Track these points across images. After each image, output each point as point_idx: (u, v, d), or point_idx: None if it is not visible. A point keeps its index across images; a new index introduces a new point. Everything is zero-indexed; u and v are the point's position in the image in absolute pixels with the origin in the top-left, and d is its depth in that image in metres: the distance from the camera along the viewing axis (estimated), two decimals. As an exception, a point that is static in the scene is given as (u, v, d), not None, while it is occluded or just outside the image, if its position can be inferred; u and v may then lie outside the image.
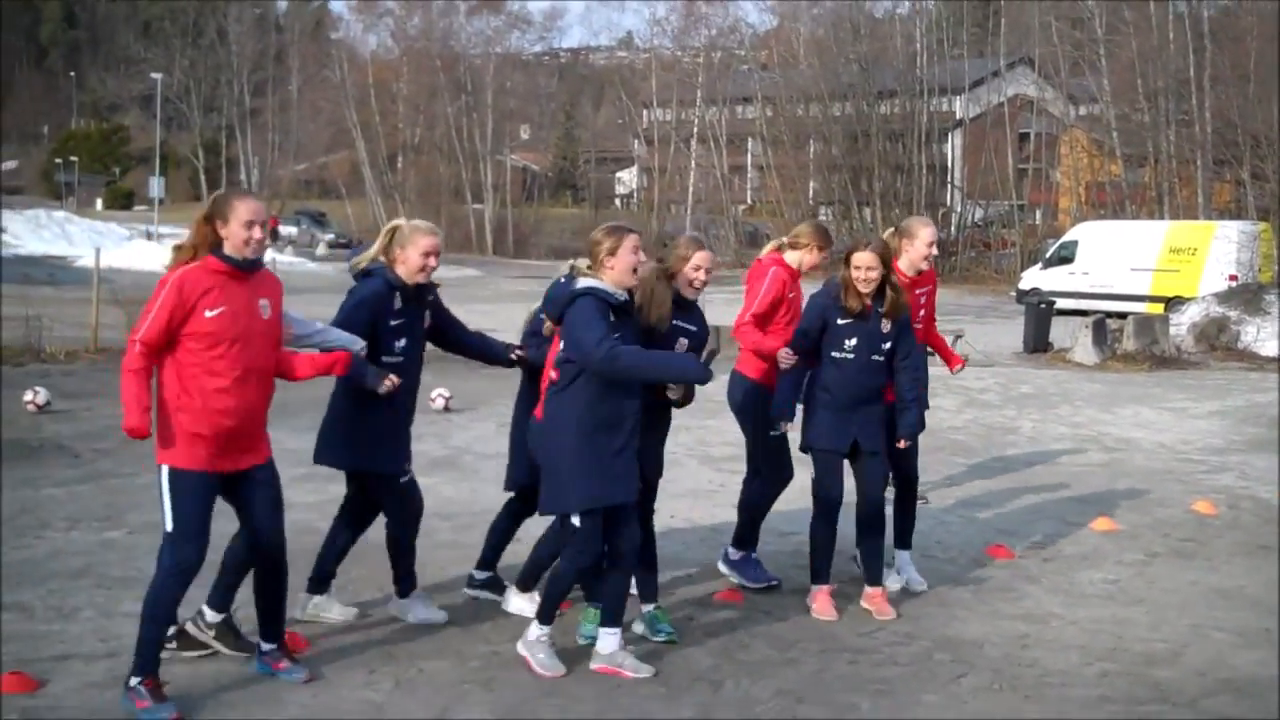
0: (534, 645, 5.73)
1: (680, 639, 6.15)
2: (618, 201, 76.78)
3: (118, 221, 57.58)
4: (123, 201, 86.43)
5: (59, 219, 51.65)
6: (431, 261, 6.05)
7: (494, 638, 6.19)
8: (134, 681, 5.10)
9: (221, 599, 5.71)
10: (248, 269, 5.20)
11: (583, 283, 5.56)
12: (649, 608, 6.26)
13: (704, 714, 5.34)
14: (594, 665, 5.75)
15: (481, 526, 7.06)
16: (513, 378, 6.75)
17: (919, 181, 50.83)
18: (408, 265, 6.03)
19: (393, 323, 6.00)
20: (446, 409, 13.16)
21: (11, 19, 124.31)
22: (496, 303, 30.32)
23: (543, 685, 5.56)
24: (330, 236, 58.08)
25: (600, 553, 5.70)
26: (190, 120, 77.35)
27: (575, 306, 5.50)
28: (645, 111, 67.70)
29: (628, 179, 78.38)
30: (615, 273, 5.60)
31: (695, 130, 62.68)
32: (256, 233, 5.11)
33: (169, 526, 5.14)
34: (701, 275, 6.05)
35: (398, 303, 6.02)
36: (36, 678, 5.38)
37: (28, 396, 12.37)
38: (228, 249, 5.14)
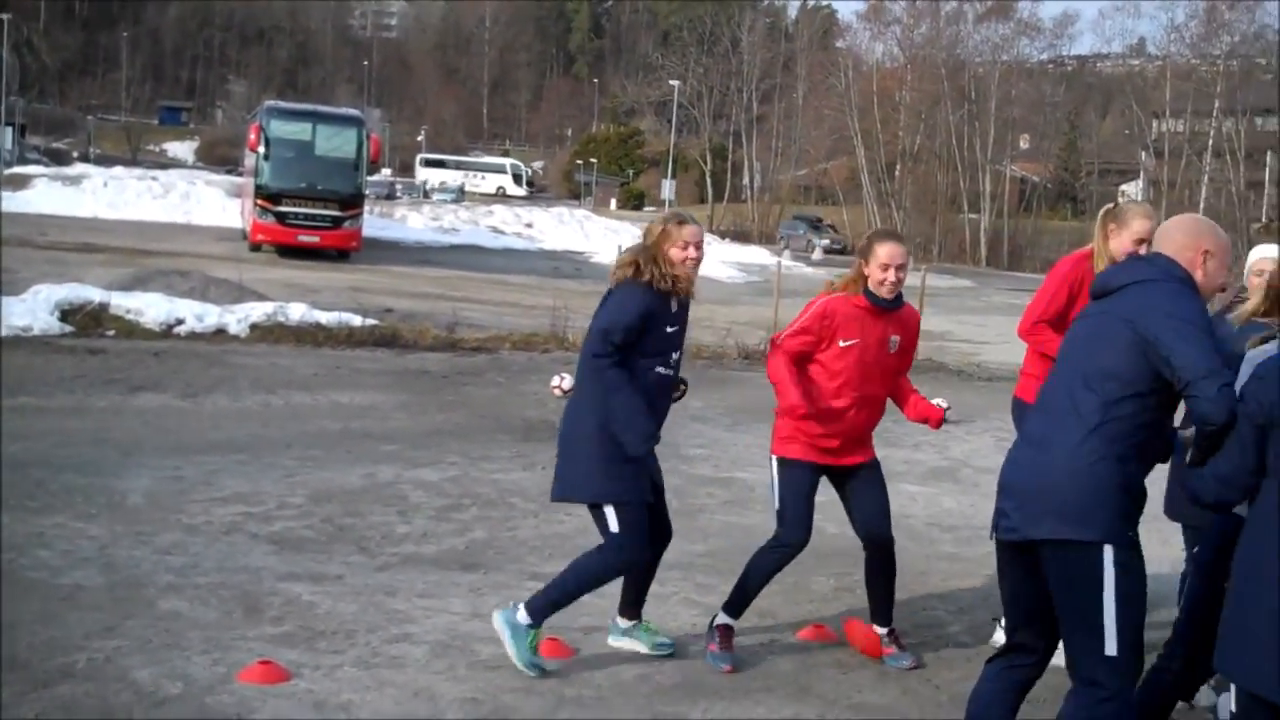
0: None
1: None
2: (1121, 215, 73.42)
3: (630, 221, 61.16)
4: (634, 202, 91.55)
5: (579, 216, 55.64)
6: None
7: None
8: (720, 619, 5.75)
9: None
10: (887, 307, 5.62)
11: None
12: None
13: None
14: None
15: (980, 542, 7.15)
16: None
17: None
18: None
19: None
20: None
21: (545, 29, 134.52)
22: (987, 314, 30.20)
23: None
24: (826, 242, 59.22)
25: None
26: (700, 125, 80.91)
27: None
28: (1155, 122, 64.73)
29: (1132, 191, 74.88)
30: None
31: (1210, 143, 59.25)
32: (891, 275, 5.50)
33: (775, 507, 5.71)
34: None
35: None
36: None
37: (554, 381, 13.54)
38: (871, 286, 5.59)
